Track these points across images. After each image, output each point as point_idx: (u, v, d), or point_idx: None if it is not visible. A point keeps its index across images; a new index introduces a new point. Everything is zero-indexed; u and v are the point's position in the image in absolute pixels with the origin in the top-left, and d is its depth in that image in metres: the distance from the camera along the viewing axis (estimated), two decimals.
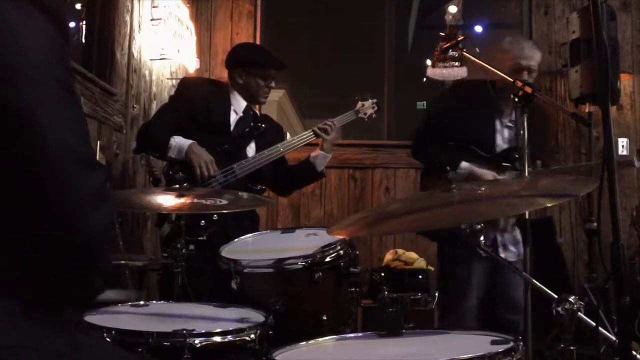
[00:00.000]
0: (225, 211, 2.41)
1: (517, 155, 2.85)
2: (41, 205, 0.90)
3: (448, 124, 2.97)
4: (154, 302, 2.01)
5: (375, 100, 3.35)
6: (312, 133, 3.14)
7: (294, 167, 3.25)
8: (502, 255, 2.99)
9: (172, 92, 3.34)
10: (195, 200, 2.09)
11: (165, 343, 1.53)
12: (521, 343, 1.42)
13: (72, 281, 0.97)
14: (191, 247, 2.20)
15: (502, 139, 2.98)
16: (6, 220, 0.91)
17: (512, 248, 3.00)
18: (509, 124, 3.00)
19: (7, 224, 0.91)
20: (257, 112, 3.21)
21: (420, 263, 4.06)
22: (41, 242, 0.92)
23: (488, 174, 2.85)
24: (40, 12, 0.93)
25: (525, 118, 2.57)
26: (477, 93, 2.95)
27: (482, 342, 1.48)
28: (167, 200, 2.08)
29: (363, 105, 3.31)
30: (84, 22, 3.57)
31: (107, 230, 0.97)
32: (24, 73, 0.88)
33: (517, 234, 3.01)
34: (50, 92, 0.91)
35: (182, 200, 2.07)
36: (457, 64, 3.34)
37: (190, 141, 2.86)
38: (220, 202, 2.13)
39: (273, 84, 3.12)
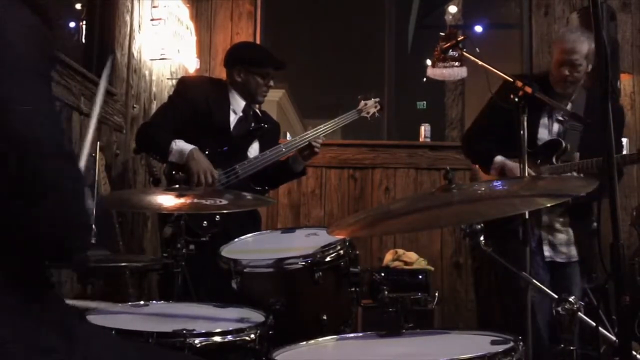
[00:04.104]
0: (226, 211, 2.41)
1: (559, 149, 2.85)
2: (21, 197, 0.91)
3: (494, 120, 3.00)
4: (154, 302, 2.01)
5: (378, 99, 3.34)
6: (309, 137, 3.09)
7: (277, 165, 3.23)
8: (547, 254, 2.90)
9: (172, 92, 3.33)
10: (196, 200, 2.09)
11: (165, 343, 1.53)
12: (521, 343, 1.42)
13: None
14: (191, 247, 2.20)
15: (548, 133, 2.94)
16: None
17: (563, 249, 2.94)
18: (560, 118, 2.97)
19: None
20: (258, 111, 3.20)
21: (420, 263, 4.06)
22: (23, 234, 0.93)
23: (517, 168, 2.78)
24: (20, 3, 0.93)
25: (525, 118, 2.56)
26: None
27: (482, 342, 1.48)
28: (167, 200, 2.08)
29: (366, 104, 3.30)
30: (84, 22, 3.57)
31: (86, 221, 1.00)
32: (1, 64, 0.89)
33: (572, 235, 2.95)
34: (28, 85, 0.92)
35: (182, 200, 2.07)
36: (457, 64, 3.33)
37: (191, 146, 2.84)
38: (221, 202, 2.13)
39: (272, 83, 3.11)
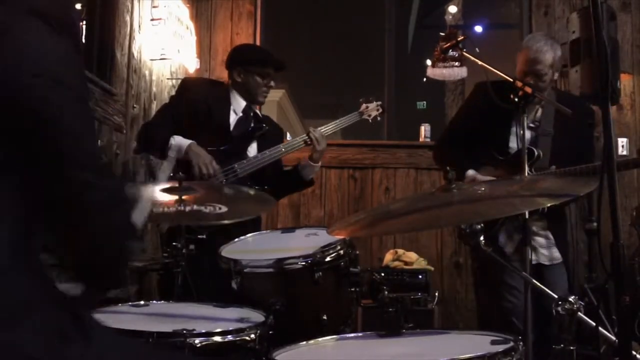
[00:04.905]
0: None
1: (532, 157, 2.78)
2: (58, 209, 0.98)
3: (466, 126, 3.03)
4: (154, 302, 2.01)
5: (380, 103, 3.34)
6: (307, 138, 3.10)
7: (284, 173, 3.23)
8: (531, 257, 2.74)
9: (172, 92, 3.34)
10: (195, 208, 2.08)
11: (165, 343, 1.53)
12: (521, 343, 1.42)
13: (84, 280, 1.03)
14: (191, 246, 2.20)
15: (519, 140, 2.83)
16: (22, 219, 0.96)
17: (544, 252, 2.93)
18: (531, 125, 2.94)
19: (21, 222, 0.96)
20: (259, 113, 3.20)
21: (420, 263, 4.06)
22: (58, 244, 1.00)
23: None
24: (52, 28, 0.97)
25: (525, 118, 2.56)
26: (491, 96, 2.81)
27: (482, 342, 1.48)
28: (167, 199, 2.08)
29: (367, 107, 3.31)
30: (84, 22, 3.57)
31: (120, 234, 1.05)
32: (44, 85, 0.94)
33: (552, 237, 2.95)
34: (75, 109, 0.98)
35: (182, 207, 2.06)
36: (457, 64, 3.33)
37: (189, 141, 2.86)
38: (220, 208, 2.12)
39: (272, 84, 3.11)
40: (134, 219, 1.14)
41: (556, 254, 2.95)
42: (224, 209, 2.12)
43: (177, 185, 2.12)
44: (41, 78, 0.93)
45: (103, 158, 1.16)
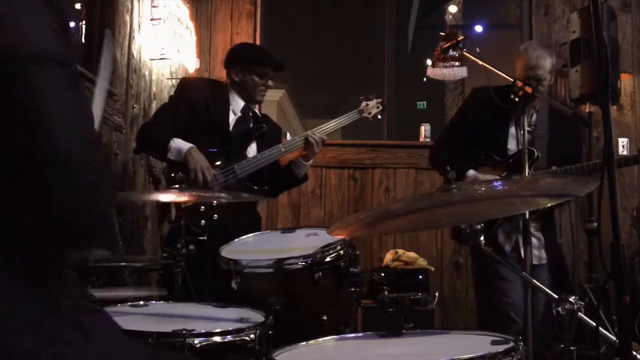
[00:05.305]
0: (225, 202, 2.39)
1: (532, 158, 2.84)
2: (43, 192, 0.92)
3: (463, 130, 3.12)
4: (154, 302, 2.01)
5: (380, 100, 3.33)
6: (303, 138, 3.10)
7: (280, 172, 3.23)
8: (531, 257, 2.92)
9: (172, 92, 3.34)
10: (194, 192, 2.09)
11: (165, 343, 1.53)
12: (521, 343, 1.42)
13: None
14: (191, 247, 2.20)
15: (516, 143, 2.98)
16: (8, 203, 0.92)
17: (535, 252, 2.98)
18: (528, 129, 2.95)
19: (8, 206, 0.92)
20: (259, 113, 3.19)
21: (420, 263, 4.06)
22: (41, 227, 0.94)
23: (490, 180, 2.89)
24: (46, 6, 0.95)
25: (525, 118, 2.58)
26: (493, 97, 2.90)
27: (482, 342, 1.48)
28: (166, 197, 2.09)
29: (367, 105, 3.30)
30: (84, 22, 3.57)
31: (104, 217, 1.00)
32: (31, 57, 0.90)
33: (543, 239, 3.02)
34: (59, 81, 0.93)
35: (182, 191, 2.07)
36: (457, 63, 3.34)
37: (189, 145, 2.85)
38: (220, 193, 2.13)
39: (270, 83, 3.11)
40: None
41: (543, 255, 3.03)
42: (223, 194, 2.13)
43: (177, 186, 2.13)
44: (44, 62, 0.92)
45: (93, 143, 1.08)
